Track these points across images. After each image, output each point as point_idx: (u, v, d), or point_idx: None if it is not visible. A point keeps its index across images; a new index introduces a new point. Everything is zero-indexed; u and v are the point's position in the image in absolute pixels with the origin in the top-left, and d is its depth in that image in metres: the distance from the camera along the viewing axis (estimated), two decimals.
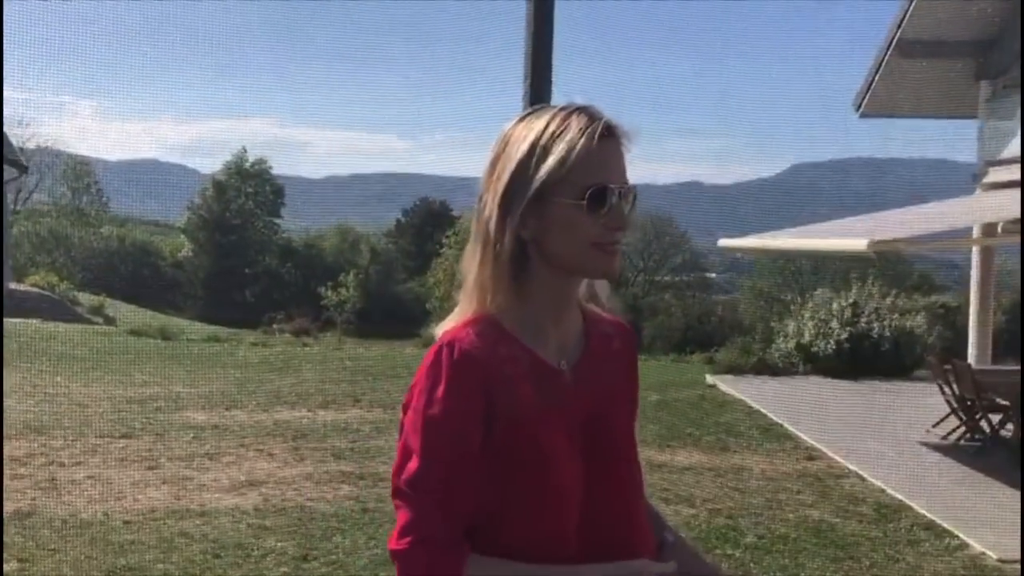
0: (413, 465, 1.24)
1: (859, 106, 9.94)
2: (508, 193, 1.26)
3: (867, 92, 9.63)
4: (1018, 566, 4.88)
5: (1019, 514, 5.13)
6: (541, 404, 1.27)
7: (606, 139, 1.25)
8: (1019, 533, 4.88)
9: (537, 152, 1.24)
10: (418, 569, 1.21)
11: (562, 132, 1.24)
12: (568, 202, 1.23)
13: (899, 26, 8.26)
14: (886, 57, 8.51)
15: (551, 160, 1.23)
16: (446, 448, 1.23)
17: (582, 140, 1.23)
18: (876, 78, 8.90)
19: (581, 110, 1.27)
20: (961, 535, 5.48)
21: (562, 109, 1.27)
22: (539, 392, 1.28)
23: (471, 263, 1.29)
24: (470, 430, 1.24)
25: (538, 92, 2.37)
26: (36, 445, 7.12)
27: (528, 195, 1.24)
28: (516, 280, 1.27)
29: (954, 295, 17.69)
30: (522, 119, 1.30)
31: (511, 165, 1.26)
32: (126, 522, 5.27)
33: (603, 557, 1.28)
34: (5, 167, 24.20)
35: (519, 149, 1.26)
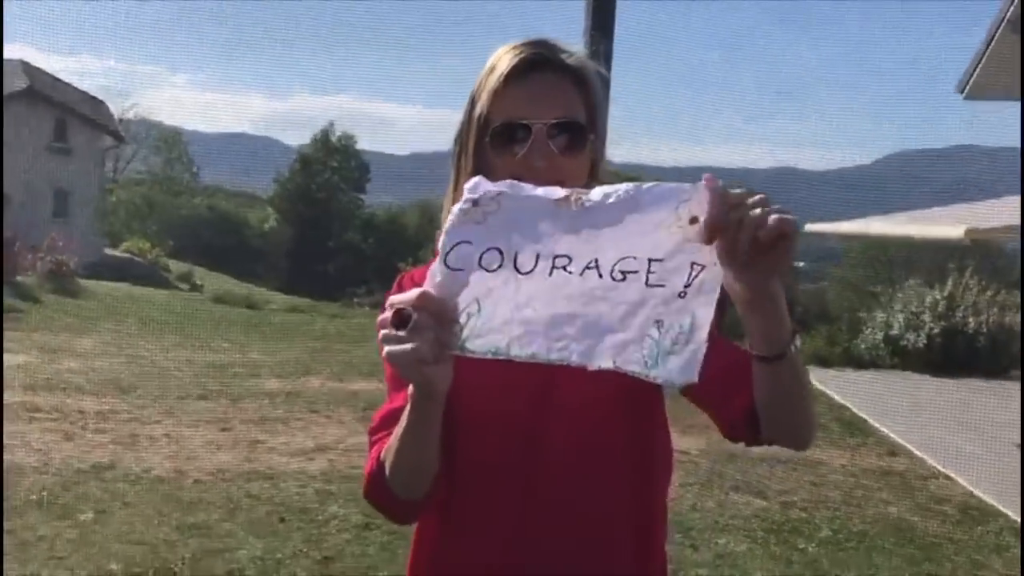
0: (378, 412, 1.22)
1: (964, 88, 9.36)
2: (459, 135, 1.21)
3: (973, 72, 9.05)
4: None
5: None
6: None
7: (530, 73, 1.15)
8: None
9: (474, 94, 1.19)
10: (373, 496, 1.15)
11: (492, 71, 1.17)
12: (488, 143, 1.16)
13: (1012, 1, 7.72)
14: (996, 34, 7.97)
15: (477, 103, 1.17)
16: (391, 390, 1.20)
17: (497, 78, 1.15)
18: (984, 57, 8.35)
19: (519, 45, 1.18)
20: None
21: (512, 46, 1.18)
22: None
23: (445, 206, 1.23)
24: None
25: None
26: (120, 402, 7.37)
27: (470, 138, 1.18)
28: None
29: None
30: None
31: (465, 106, 1.21)
32: (196, 481, 5.38)
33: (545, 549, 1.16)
34: (105, 136, 25.25)
35: (470, 91, 1.21)
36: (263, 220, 33.76)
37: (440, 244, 0.90)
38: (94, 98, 26.07)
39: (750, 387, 1.10)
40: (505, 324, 0.90)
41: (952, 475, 6.66)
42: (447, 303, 0.90)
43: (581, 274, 0.90)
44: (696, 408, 1.22)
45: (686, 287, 0.90)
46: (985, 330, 12.31)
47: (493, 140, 1.15)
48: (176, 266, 21.96)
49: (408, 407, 1.02)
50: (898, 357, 12.57)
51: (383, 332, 0.91)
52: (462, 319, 0.90)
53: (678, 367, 0.91)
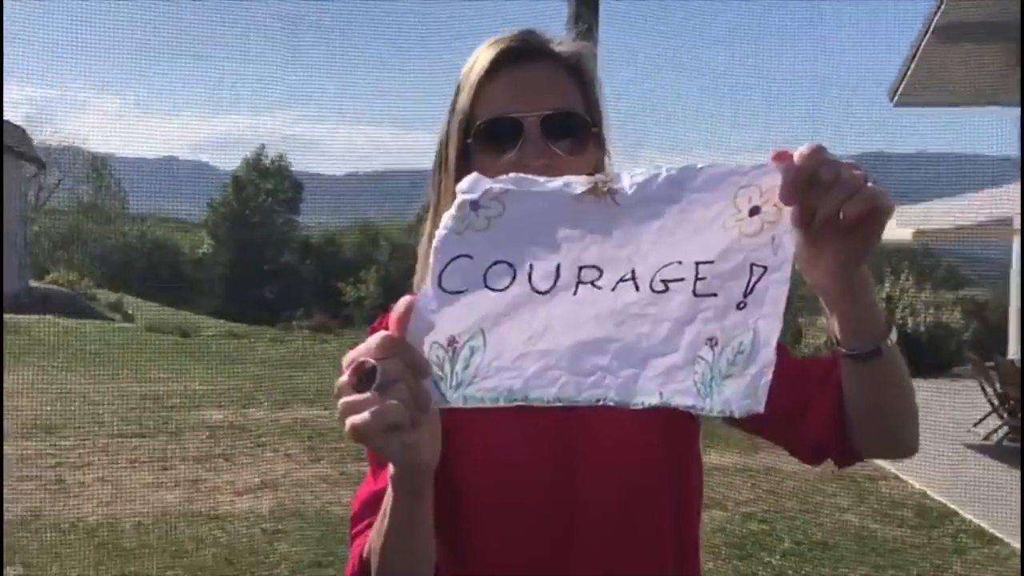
0: (358, 494, 1.06)
1: (893, 95, 9.58)
2: (439, 146, 1.05)
3: (902, 81, 9.27)
4: None
5: None
6: None
7: (517, 64, 1.00)
8: None
9: (454, 96, 1.04)
10: None
11: (473, 66, 1.02)
12: (472, 144, 1.00)
13: (938, 9, 7.92)
14: (923, 42, 8.17)
15: (458, 104, 1.02)
16: (373, 466, 1.05)
17: (478, 72, 1.00)
18: (912, 65, 8.54)
19: (503, 37, 1.03)
20: (1012, 542, 5.18)
21: (495, 39, 1.03)
22: None
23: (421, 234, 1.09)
24: None
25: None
26: (46, 445, 6.96)
27: (451, 145, 1.02)
28: None
29: (984, 290, 17.29)
30: None
31: (445, 114, 1.06)
32: (136, 525, 5.08)
33: None
34: (24, 164, 24.31)
35: (453, 88, 1.06)
36: (196, 245, 32.98)
37: (431, 263, 0.70)
38: (13, 124, 25.09)
39: (828, 398, 0.95)
40: (518, 359, 0.70)
41: (903, 476, 6.72)
42: (420, 349, 0.69)
43: (613, 289, 0.71)
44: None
45: (745, 295, 0.71)
46: (923, 329, 12.61)
47: (478, 140, 0.99)
48: (105, 296, 21.21)
49: (390, 489, 0.82)
50: None
51: (342, 400, 0.70)
52: (463, 355, 0.70)
53: (738, 393, 0.72)
